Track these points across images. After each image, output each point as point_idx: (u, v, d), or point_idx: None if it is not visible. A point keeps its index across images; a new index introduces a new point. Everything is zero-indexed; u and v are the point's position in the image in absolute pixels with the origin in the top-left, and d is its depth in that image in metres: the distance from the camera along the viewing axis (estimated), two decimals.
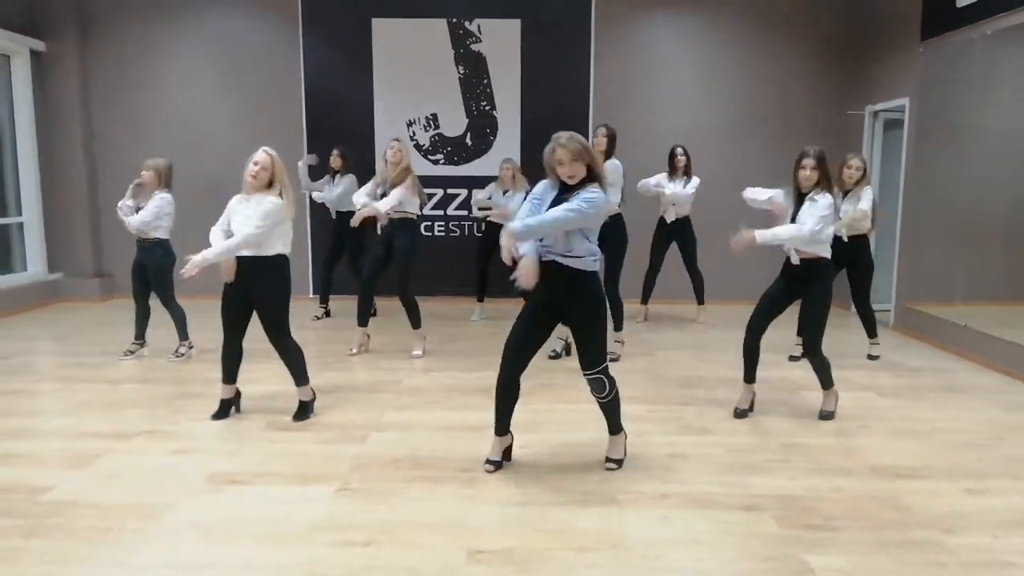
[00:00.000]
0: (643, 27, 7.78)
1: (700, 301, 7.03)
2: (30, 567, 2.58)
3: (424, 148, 7.92)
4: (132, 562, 2.62)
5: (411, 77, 7.79)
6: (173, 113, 7.87)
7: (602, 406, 3.44)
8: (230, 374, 4.12)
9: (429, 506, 3.08)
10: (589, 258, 3.21)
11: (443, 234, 7.99)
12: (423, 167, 7.83)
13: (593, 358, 3.32)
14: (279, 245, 3.94)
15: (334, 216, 6.78)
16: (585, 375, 3.35)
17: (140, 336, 5.45)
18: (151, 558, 2.65)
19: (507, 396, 3.38)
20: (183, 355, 5.35)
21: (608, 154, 5.24)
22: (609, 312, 5.43)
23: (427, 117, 7.89)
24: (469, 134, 7.91)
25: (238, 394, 4.23)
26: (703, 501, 3.13)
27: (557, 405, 4.45)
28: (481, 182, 7.84)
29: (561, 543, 2.77)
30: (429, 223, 7.97)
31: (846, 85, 7.70)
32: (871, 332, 5.64)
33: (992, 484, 3.35)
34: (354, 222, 5.34)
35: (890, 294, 6.90)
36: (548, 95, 7.76)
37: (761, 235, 3.92)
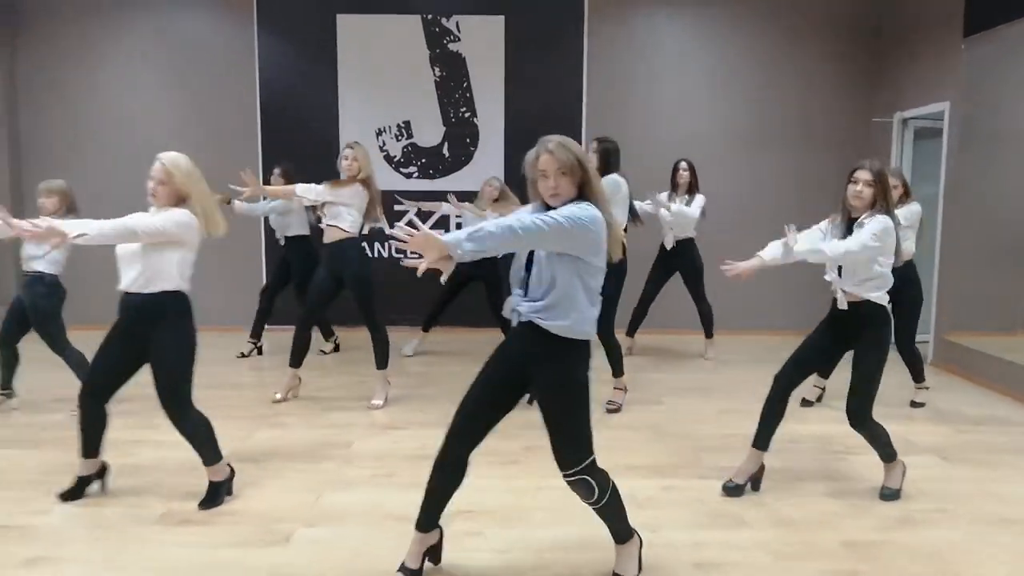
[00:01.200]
0: (642, 24, 6.92)
1: (708, 334, 6.11)
2: None
3: (396, 160, 7.01)
4: None
5: (381, 80, 6.89)
6: (110, 118, 6.94)
7: (597, 512, 2.50)
8: (93, 443, 3.17)
9: None
10: (581, 326, 2.36)
11: (418, 255, 7.04)
12: (395, 181, 6.92)
13: (573, 452, 2.39)
14: (176, 276, 3.00)
15: (282, 243, 5.89)
16: (564, 477, 2.40)
17: (7, 384, 4.51)
18: None
19: (446, 480, 2.50)
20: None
21: (604, 170, 4.39)
22: (606, 356, 4.69)
23: (399, 125, 6.98)
24: (446, 144, 7.00)
25: (104, 468, 3.27)
26: None
27: (546, 481, 3.49)
28: (461, 197, 6.93)
29: None
30: (401, 242, 7.02)
31: (873, 90, 6.85)
32: (918, 376, 4.76)
33: None
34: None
35: (928, 325, 6.01)
36: (535, 100, 6.86)
37: (771, 254, 3.24)
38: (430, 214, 7.07)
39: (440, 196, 6.97)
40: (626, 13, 6.88)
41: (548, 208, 2.34)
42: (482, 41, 6.88)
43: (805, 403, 4.70)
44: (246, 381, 5.41)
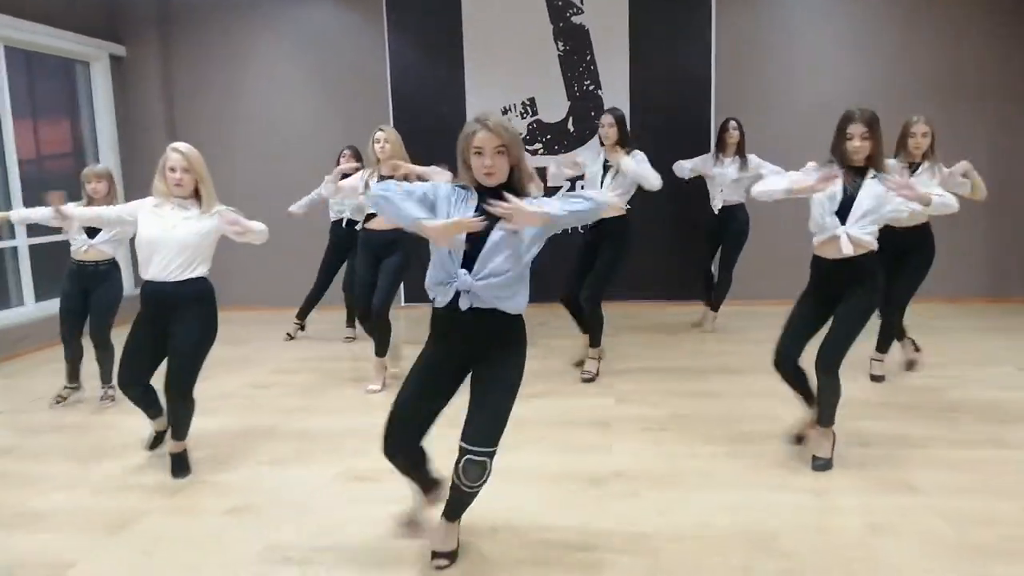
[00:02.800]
0: None
1: (715, 307, 5.89)
2: None
3: (522, 137, 7.10)
4: None
5: (506, 59, 6.98)
6: (256, 114, 7.40)
7: (464, 496, 2.38)
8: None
9: None
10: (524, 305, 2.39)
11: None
12: None
13: (494, 431, 2.31)
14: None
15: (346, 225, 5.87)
16: (473, 454, 2.27)
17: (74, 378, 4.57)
18: None
19: (408, 465, 2.53)
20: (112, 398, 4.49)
21: (622, 142, 4.56)
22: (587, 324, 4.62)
23: (524, 103, 7.07)
24: (571, 119, 7.03)
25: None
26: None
27: (697, 448, 3.51)
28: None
29: None
30: None
31: None
32: (882, 345, 4.43)
33: None
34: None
35: None
36: (662, 69, 6.77)
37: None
38: (556, 190, 7.15)
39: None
40: None
41: (480, 188, 2.31)
42: (606, 11, 6.83)
43: (875, 378, 4.41)
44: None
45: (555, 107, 7.04)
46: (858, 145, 3.05)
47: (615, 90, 6.91)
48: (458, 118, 7.00)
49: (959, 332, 5.55)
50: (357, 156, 5.77)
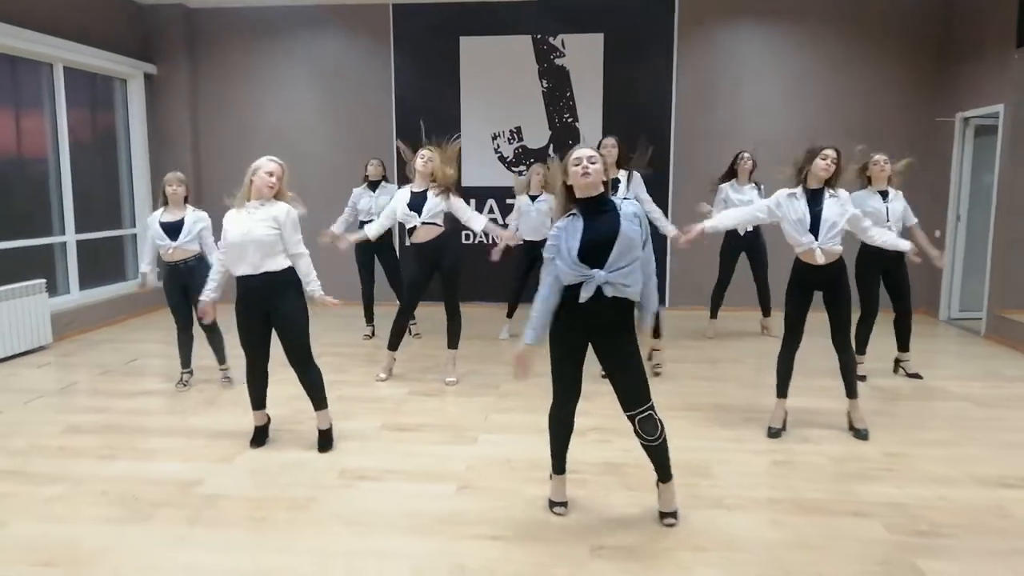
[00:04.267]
0: (726, 36, 7.86)
1: (766, 312, 6.86)
2: (201, 554, 2.89)
3: (508, 160, 8.17)
4: (293, 548, 2.90)
5: (496, 92, 8.06)
6: (274, 129, 8.33)
7: (654, 450, 3.08)
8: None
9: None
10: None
11: (521, 243, 8.18)
12: (507, 178, 8.09)
13: (643, 390, 3.01)
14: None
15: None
16: (638, 414, 3.00)
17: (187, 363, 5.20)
18: (304, 545, 2.93)
19: (563, 434, 3.24)
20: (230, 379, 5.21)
21: (621, 164, 5.19)
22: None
23: (511, 130, 8.15)
24: (552, 145, 8.13)
25: (269, 420, 4.16)
26: (811, 507, 3.26)
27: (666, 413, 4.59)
28: None
29: (678, 543, 2.94)
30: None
31: (936, 92, 7.62)
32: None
33: None
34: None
35: (982, 302, 6.82)
36: (630, 106, 7.92)
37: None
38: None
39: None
40: (710, 29, 7.83)
41: (579, 203, 2.91)
42: (584, 56, 7.96)
43: (911, 375, 5.32)
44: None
45: (538, 135, 8.13)
46: (827, 165, 3.86)
47: (590, 122, 8.03)
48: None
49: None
50: (383, 165, 6.71)
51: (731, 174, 6.55)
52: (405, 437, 4.15)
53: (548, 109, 8.09)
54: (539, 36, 7.98)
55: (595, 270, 2.85)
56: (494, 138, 8.15)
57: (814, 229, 3.92)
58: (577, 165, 2.88)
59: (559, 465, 3.25)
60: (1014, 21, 6.35)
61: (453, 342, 5.30)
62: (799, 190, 4.00)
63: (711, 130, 7.89)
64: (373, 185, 6.63)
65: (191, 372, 5.21)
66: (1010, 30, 6.40)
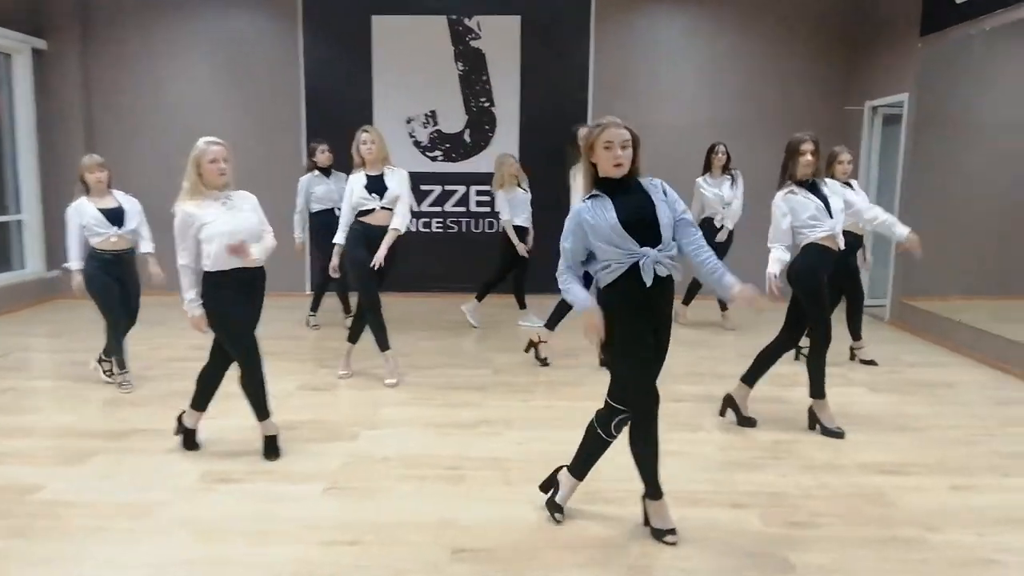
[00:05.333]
0: (643, 22, 7.76)
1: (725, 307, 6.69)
2: (16, 568, 2.61)
3: (423, 145, 7.93)
4: (120, 560, 2.65)
5: (410, 74, 7.79)
6: (173, 111, 7.89)
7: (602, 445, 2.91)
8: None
9: (416, 505, 3.11)
10: None
11: (440, 230, 8.00)
12: (421, 164, 7.86)
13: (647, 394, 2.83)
14: None
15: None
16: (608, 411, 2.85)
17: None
18: (140, 556, 2.68)
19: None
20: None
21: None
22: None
23: (426, 114, 7.90)
24: (468, 130, 7.92)
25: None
26: (690, 499, 3.15)
27: (555, 402, 4.46)
28: (479, 178, 7.87)
29: (546, 542, 2.80)
30: (427, 219, 7.99)
31: (846, 81, 7.67)
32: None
33: (978, 481, 3.36)
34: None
35: (886, 289, 6.90)
36: (547, 91, 7.76)
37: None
38: (452, 193, 8.03)
39: (462, 178, 7.94)
40: (628, 14, 7.72)
41: (605, 184, 2.73)
42: (500, 38, 7.76)
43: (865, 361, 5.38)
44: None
45: (454, 119, 7.90)
46: (811, 160, 3.78)
47: (507, 108, 7.85)
48: (365, 121, 7.72)
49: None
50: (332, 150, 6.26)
51: (706, 167, 6.44)
52: (283, 435, 3.90)
53: (464, 93, 7.87)
54: (455, 17, 7.74)
55: (645, 248, 2.63)
56: (408, 122, 7.90)
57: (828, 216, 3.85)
58: (608, 149, 2.67)
59: (655, 488, 2.87)
60: (919, 10, 6.39)
61: (384, 343, 4.83)
62: (794, 187, 3.87)
63: (628, 117, 7.73)
64: (326, 171, 6.32)
65: (128, 371, 4.74)
66: (915, 19, 6.45)
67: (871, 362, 5.40)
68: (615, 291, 2.69)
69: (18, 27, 7.26)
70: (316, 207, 6.32)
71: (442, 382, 4.88)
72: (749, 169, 7.72)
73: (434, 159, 7.94)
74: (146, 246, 4.76)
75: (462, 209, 8.02)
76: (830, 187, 4.04)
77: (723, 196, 6.34)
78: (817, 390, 3.98)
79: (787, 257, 3.88)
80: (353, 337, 4.95)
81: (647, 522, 2.88)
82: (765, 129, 7.72)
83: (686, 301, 6.70)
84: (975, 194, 5.82)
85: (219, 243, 3.38)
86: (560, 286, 2.78)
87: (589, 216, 2.68)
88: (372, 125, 4.89)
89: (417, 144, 7.91)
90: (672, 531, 2.80)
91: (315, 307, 6.61)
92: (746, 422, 4.03)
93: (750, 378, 4.09)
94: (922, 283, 6.48)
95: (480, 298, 6.58)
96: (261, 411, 3.61)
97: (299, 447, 3.74)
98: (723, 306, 6.68)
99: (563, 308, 5.14)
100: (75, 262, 4.52)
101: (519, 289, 6.61)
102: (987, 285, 5.93)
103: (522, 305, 6.65)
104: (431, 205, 7.98)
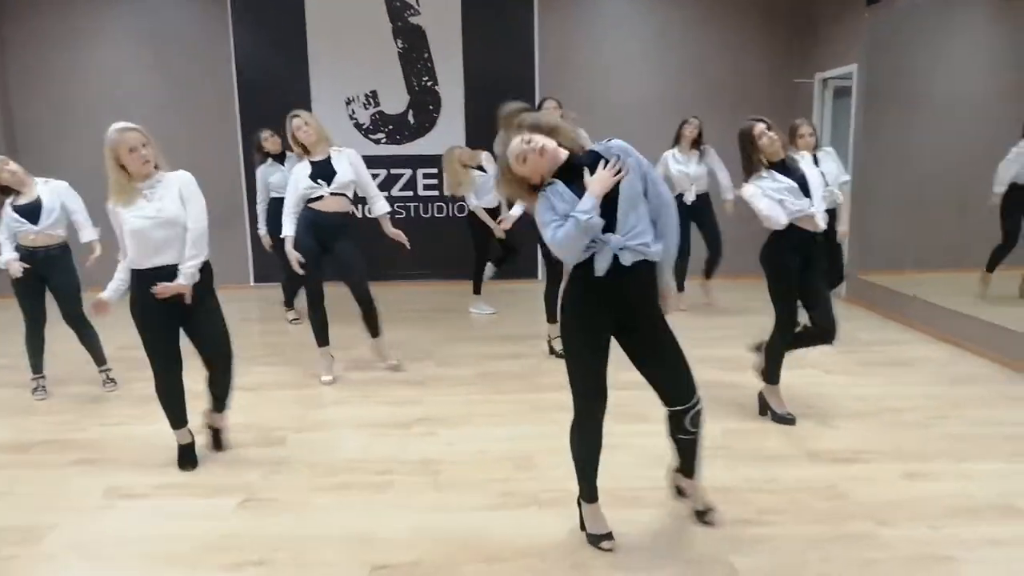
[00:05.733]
0: None
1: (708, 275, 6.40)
2: None
3: (365, 127, 7.60)
4: None
5: (348, 53, 7.44)
6: (98, 99, 7.43)
7: (697, 446, 2.63)
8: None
9: (336, 518, 2.87)
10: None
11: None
12: (364, 147, 7.52)
13: (690, 381, 2.51)
14: None
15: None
16: (689, 409, 2.51)
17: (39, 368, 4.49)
18: None
19: (596, 445, 2.59)
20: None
21: None
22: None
23: (367, 95, 7.56)
24: (411, 111, 7.60)
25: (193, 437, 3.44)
26: (631, 499, 2.96)
27: (496, 397, 4.24)
28: (426, 161, 7.58)
29: (471, 554, 2.58)
30: None
31: (796, 53, 7.49)
32: None
33: (933, 467, 3.21)
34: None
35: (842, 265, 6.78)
36: (491, 67, 7.46)
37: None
38: (399, 176, 7.73)
39: (408, 161, 7.64)
40: None
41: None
42: (440, 14, 7.43)
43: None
44: None
45: (396, 100, 7.58)
46: (772, 137, 3.46)
47: (451, 85, 7.54)
48: (303, 104, 7.39)
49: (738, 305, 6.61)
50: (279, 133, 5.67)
51: (676, 140, 6.15)
52: (201, 442, 3.62)
53: (405, 71, 7.54)
54: None
55: (607, 235, 2.32)
56: (348, 103, 7.55)
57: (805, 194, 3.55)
58: (522, 163, 2.38)
59: (589, 491, 2.62)
60: None
61: (375, 330, 4.67)
62: (762, 171, 3.56)
63: (574, 94, 7.51)
64: (278, 158, 5.97)
65: (44, 377, 4.46)
66: None
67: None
68: (573, 282, 2.46)
69: None
70: (274, 195, 5.96)
71: (383, 377, 4.63)
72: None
73: (378, 142, 7.62)
74: (87, 235, 4.40)
75: (409, 193, 7.72)
76: (806, 161, 3.76)
77: (689, 173, 6.10)
78: (771, 376, 3.81)
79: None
80: (373, 330, 4.67)
81: (583, 527, 2.68)
82: (715, 103, 7.53)
83: (707, 274, 6.34)
84: (928, 166, 5.69)
85: (132, 242, 3.08)
86: (558, 236, 2.34)
87: (553, 209, 2.37)
88: (302, 110, 4.53)
89: (359, 126, 7.58)
90: (601, 537, 2.60)
91: (290, 302, 6.25)
92: (782, 419, 3.75)
93: (769, 376, 3.81)
94: (877, 258, 6.37)
95: (477, 290, 6.37)
96: (176, 421, 3.32)
97: (219, 455, 3.47)
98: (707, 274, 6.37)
99: (551, 296, 4.95)
100: (8, 252, 4.19)
101: (479, 273, 6.37)
102: (942, 258, 5.84)
103: (477, 291, 6.42)
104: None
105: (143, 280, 3.09)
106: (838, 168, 5.16)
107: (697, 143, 6.15)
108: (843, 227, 5.17)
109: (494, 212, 6.03)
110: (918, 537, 2.62)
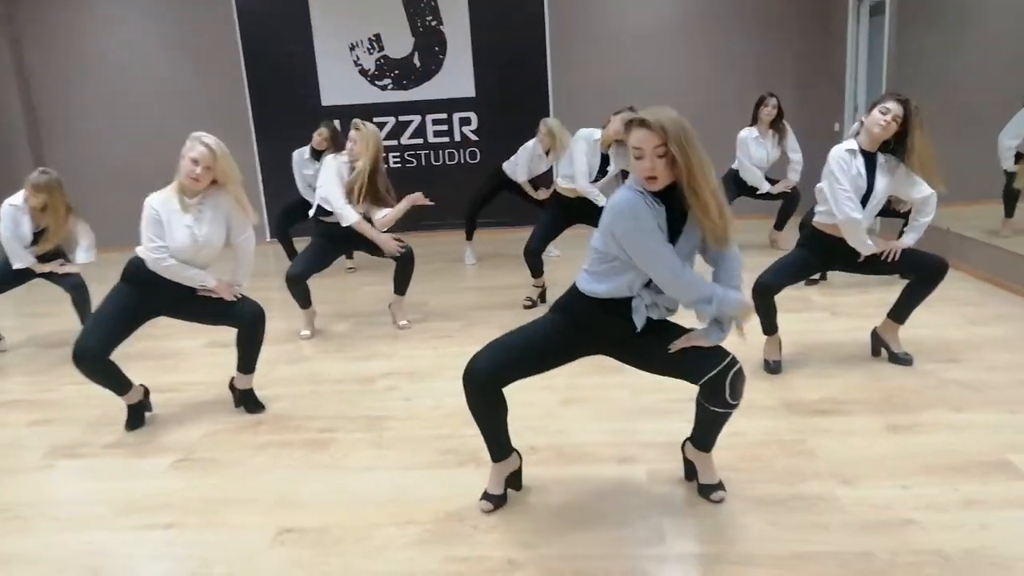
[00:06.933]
0: None
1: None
2: None
3: (370, 73, 7.37)
4: None
5: None
6: (105, 50, 7.44)
7: (725, 417, 2.27)
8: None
9: (263, 479, 2.75)
10: None
11: (398, 165, 7.49)
12: (370, 94, 7.33)
13: (715, 349, 2.19)
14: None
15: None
16: (723, 371, 2.15)
17: None
18: None
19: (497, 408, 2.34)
20: None
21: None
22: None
23: (370, 38, 7.31)
24: (416, 54, 7.32)
25: (146, 392, 3.38)
26: (573, 455, 2.74)
27: (470, 348, 4.03)
28: (435, 106, 7.34)
29: (387, 517, 2.41)
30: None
31: None
32: None
33: (922, 418, 2.88)
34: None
35: None
36: (499, 1, 7.09)
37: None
38: (407, 124, 7.50)
39: (416, 107, 7.40)
40: None
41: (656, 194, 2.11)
42: None
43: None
44: None
45: (401, 43, 7.31)
46: (886, 121, 3.08)
47: (456, 25, 7.21)
48: (307, 56, 7.25)
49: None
50: (333, 135, 5.76)
51: (753, 120, 5.62)
52: (160, 399, 3.56)
53: (408, 12, 7.25)
54: None
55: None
56: (352, 49, 7.32)
57: (863, 201, 3.22)
58: (639, 158, 2.06)
59: (495, 448, 2.38)
60: None
61: (401, 288, 4.56)
62: (856, 144, 3.22)
63: (589, 28, 7.12)
64: (317, 154, 5.77)
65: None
66: None
67: (813, 280, 4.82)
68: (591, 303, 2.22)
69: None
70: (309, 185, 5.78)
71: (365, 332, 4.50)
72: (729, 73, 7.09)
73: (384, 88, 7.39)
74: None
75: (419, 141, 7.50)
76: (898, 175, 3.31)
77: (767, 155, 5.65)
78: (766, 327, 3.48)
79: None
80: (399, 287, 4.54)
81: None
82: (742, 26, 7.03)
83: (778, 226, 5.95)
84: (971, 87, 5.13)
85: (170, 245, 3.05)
86: (673, 267, 2.09)
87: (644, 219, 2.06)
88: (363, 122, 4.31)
89: (364, 73, 7.36)
90: (488, 497, 2.40)
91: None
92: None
93: (897, 314, 3.48)
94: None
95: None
96: (115, 388, 3.19)
97: (172, 412, 3.40)
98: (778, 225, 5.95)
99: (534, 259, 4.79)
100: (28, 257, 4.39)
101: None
102: (990, 187, 5.29)
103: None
104: (386, 139, 7.45)
105: (149, 276, 3.07)
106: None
107: (775, 123, 5.62)
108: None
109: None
110: (880, 499, 2.32)
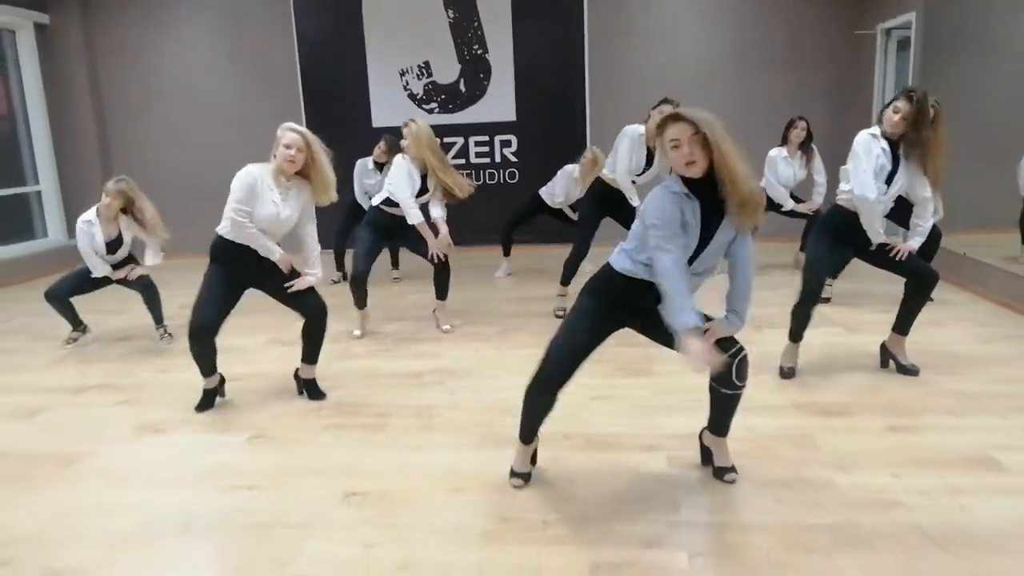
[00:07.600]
0: None
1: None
2: None
3: (418, 97, 7.84)
4: (30, 505, 2.76)
5: (401, 25, 7.67)
6: (174, 77, 8.01)
7: (735, 400, 2.58)
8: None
9: (328, 453, 3.13)
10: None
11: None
12: (418, 117, 7.76)
13: (730, 339, 2.51)
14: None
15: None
16: (731, 356, 2.44)
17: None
18: (48, 501, 2.78)
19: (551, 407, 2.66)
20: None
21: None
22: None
23: (419, 65, 7.78)
24: (462, 80, 7.77)
25: (222, 380, 3.79)
26: (601, 443, 3.08)
27: (507, 351, 4.41)
28: (477, 129, 7.76)
29: (438, 486, 2.77)
30: None
31: (855, 3, 7.18)
32: None
33: (922, 422, 3.16)
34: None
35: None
36: (541, 33, 7.53)
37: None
38: (451, 145, 7.92)
39: (460, 130, 7.82)
40: None
41: (692, 184, 2.34)
42: None
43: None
44: None
45: (448, 70, 7.76)
46: (897, 119, 3.34)
47: (501, 53, 7.66)
48: (360, 80, 7.74)
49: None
50: (391, 147, 5.88)
51: (783, 141, 5.86)
52: (230, 388, 3.96)
53: (456, 41, 7.71)
54: None
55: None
56: (402, 74, 7.80)
57: (888, 182, 3.48)
58: (676, 148, 2.31)
59: (528, 434, 2.73)
60: None
61: (442, 293, 4.94)
62: (878, 130, 3.48)
63: (626, 53, 7.51)
64: (379, 167, 6.15)
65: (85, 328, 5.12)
66: None
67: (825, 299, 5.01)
68: (609, 275, 2.53)
69: (20, 2, 7.44)
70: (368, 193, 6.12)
71: (414, 334, 4.88)
72: (757, 96, 7.37)
73: (430, 111, 7.84)
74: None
75: (462, 161, 7.91)
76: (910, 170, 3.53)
77: (794, 175, 5.93)
78: (794, 335, 3.78)
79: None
80: (440, 293, 4.93)
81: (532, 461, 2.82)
82: (772, 60, 7.36)
83: (804, 247, 6.05)
84: (997, 118, 5.39)
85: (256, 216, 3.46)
86: (664, 262, 2.30)
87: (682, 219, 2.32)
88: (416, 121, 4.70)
89: (412, 97, 7.82)
90: (518, 475, 2.74)
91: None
92: (906, 370, 3.72)
93: (900, 327, 3.77)
94: (952, 217, 6.07)
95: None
96: (205, 370, 3.63)
97: (243, 398, 3.81)
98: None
99: (572, 263, 5.16)
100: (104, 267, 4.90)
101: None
102: (1013, 216, 5.51)
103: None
104: None
105: (231, 253, 3.50)
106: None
107: (804, 145, 5.90)
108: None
109: None
110: (873, 484, 2.62)
